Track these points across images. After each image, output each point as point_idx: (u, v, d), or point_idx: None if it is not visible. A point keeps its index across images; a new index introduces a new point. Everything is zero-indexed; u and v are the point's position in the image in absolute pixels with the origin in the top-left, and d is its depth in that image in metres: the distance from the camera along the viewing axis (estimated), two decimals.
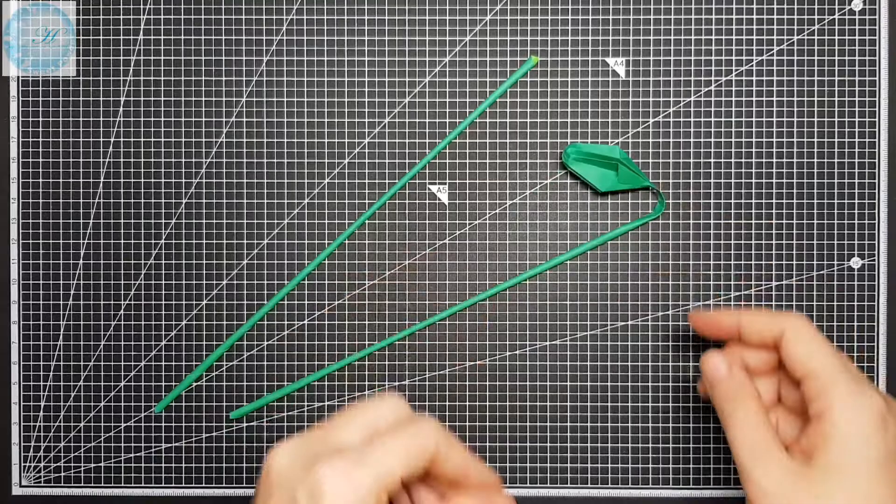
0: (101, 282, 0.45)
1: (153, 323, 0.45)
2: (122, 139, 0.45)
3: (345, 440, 0.29)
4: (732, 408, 0.35)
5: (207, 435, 0.45)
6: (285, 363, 0.45)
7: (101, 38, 0.45)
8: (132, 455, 0.46)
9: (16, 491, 0.46)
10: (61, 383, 0.45)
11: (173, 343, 0.45)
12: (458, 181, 0.45)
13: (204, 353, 0.45)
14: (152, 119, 0.45)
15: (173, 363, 0.45)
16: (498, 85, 0.45)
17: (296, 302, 0.45)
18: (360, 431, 0.29)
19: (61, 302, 0.45)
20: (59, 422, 0.45)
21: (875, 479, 0.32)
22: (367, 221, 0.45)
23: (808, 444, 0.34)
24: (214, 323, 0.45)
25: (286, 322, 0.45)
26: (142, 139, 0.45)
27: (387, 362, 0.45)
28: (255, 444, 0.45)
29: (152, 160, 0.45)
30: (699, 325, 0.39)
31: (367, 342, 0.45)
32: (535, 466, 0.45)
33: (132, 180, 0.45)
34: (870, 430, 0.32)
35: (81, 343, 0.45)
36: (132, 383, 0.45)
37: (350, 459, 0.27)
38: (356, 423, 0.30)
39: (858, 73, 0.45)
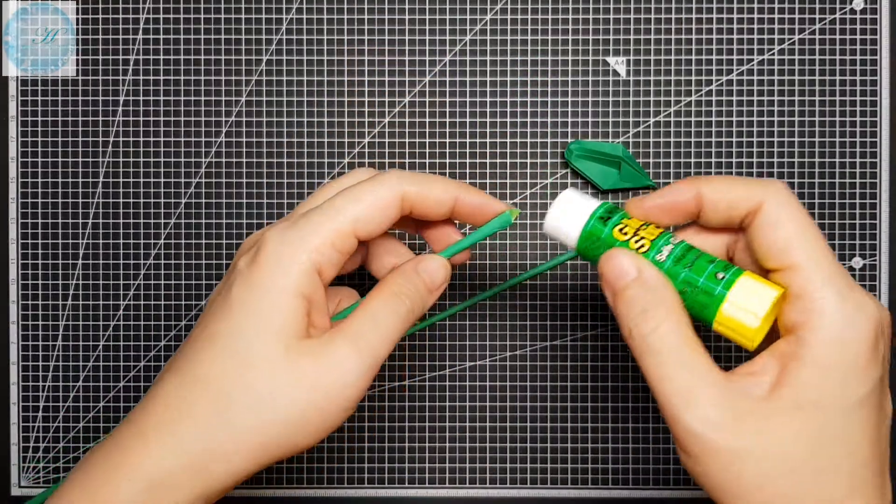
0: (101, 282, 0.45)
1: (152, 323, 0.45)
2: (121, 139, 0.45)
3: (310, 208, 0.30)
4: (649, 328, 0.26)
5: None
6: None
7: (101, 38, 0.45)
8: None
9: (15, 491, 0.45)
10: (60, 384, 0.45)
11: (173, 343, 0.45)
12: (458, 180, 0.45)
13: None
14: (152, 119, 0.45)
15: None
16: (498, 84, 0.45)
17: None
18: (325, 199, 0.30)
19: (60, 302, 0.45)
20: (59, 422, 0.45)
21: (850, 419, 0.25)
22: None
23: (767, 366, 0.26)
24: None
25: None
26: (141, 139, 0.45)
27: (387, 362, 0.45)
28: None
29: (152, 160, 0.45)
30: (652, 211, 0.28)
31: None
32: (535, 466, 0.45)
33: (131, 180, 0.45)
34: (861, 360, 0.25)
35: (81, 343, 0.45)
36: (131, 384, 0.45)
37: (291, 219, 0.28)
38: (321, 194, 0.31)
39: (859, 73, 0.45)
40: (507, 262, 0.45)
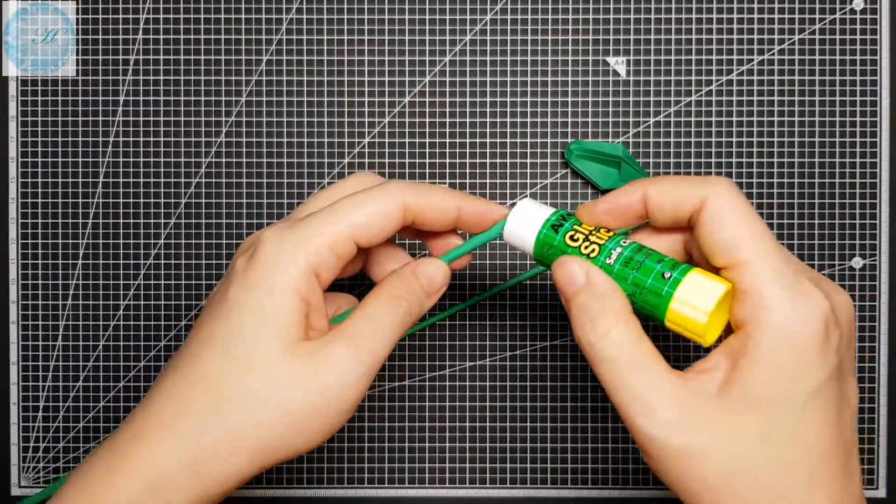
0: (101, 282, 0.45)
1: (152, 323, 0.45)
2: (121, 139, 0.45)
3: (310, 211, 0.30)
4: (599, 335, 0.26)
5: None
6: None
7: (101, 38, 0.45)
8: None
9: (15, 491, 0.45)
10: (60, 383, 0.45)
11: (173, 343, 0.45)
12: (458, 181, 0.45)
13: None
14: (152, 119, 0.45)
15: None
16: (498, 84, 0.45)
17: None
18: (326, 203, 0.30)
19: (60, 302, 0.45)
20: (59, 422, 0.45)
21: (804, 413, 0.25)
22: None
23: (719, 363, 0.26)
24: None
25: None
26: (141, 139, 0.45)
27: (387, 362, 0.45)
28: None
29: (152, 160, 0.45)
30: (601, 216, 0.29)
31: None
32: (535, 466, 0.45)
33: (131, 180, 0.45)
34: (811, 353, 0.24)
35: (81, 343, 0.45)
36: (131, 384, 0.45)
37: (291, 221, 0.29)
38: (323, 197, 0.31)
39: (859, 73, 0.45)
40: (507, 262, 0.45)
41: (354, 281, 0.45)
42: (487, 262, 0.45)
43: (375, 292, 0.29)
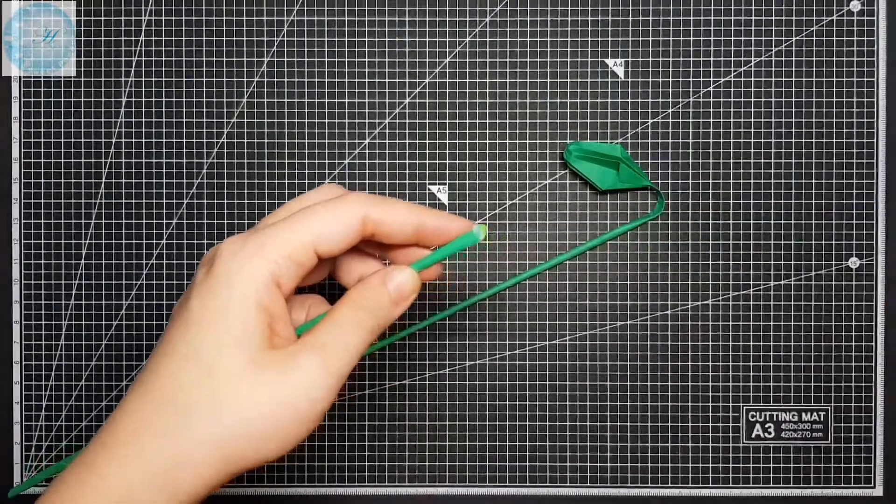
0: (103, 282, 0.45)
1: (154, 323, 0.45)
2: (123, 139, 0.45)
3: (271, 222, 0.30)
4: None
5: None
6: None
7: (101, 38, 0.45)
8: None
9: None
10: (63, 383, 0.45)
11: None
12: (458, 181, 0.45)
13: None
14: (153, 119, 0.45)
15: None
16: (498, 85, 0.45)
17: None
18: (287, 214, 0.30)
19: (63, 302, 0.45)
20: (61, 421, 0.46)
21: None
22: None
23: None
24: None
25: None
26: (143, 139, 0.45)
27: (387, 362, 0.45)
28: None
29: (153, 160, 0.45)
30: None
31: None
32: (534, 466, 0.45)
33: (133, 180, 0.45)
34: None
35: (83, 343, 0.45)
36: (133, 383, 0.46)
37: (251, 232, 0.29)
38: (285, 208, 0.31)
39: (856, 75, 0.45)
40: (507, 262, 0.45)
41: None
42: (487, 261, 0.45)
43: (343, 301, 0.30)
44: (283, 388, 0.27)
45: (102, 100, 0.45)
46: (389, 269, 0.31)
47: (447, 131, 0.45)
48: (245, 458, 0.27)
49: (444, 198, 0.45)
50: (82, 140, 0.45)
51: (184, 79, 0.45)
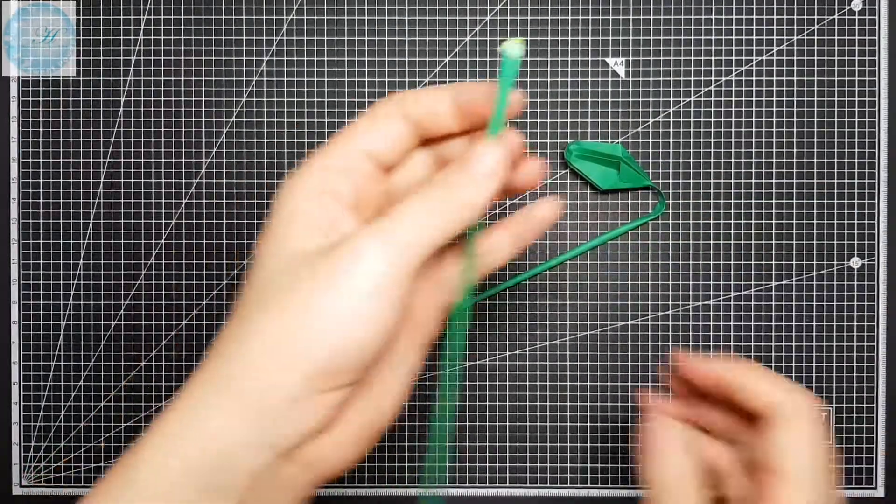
0: (102, 282, 0.45)
1: (153, 323, 0.45)
2: (122, 139, 0.45)
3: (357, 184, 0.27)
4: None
5: None
6: None
7: (101, 38, 0.45)
8: None
9: (16, 491, 0.46)
10: (61, 383, 0.45)
11: (173, 343, 0.45)
12: None
13: (204, 353, 0.45)
14: (152, 119, 0.45)
15: (173, 363, 0.45)
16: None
17: None
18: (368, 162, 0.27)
19: (61, 302, 0.45)
20: (60, 421, 0.45)
21: None
22: None
23: None
24: (215, 323, 0.45)
25: None
26: (142, 139, 0.45)
27: None
28: None
29: (152, 160, 0.45)
30: (693, 374, 0.31)
31: None
32: (534, 466, 0.45)
33: (132, 180, 0.45)
34: None
35: (82, 343, 0.45)
36: (132, 383, 0.45)
37: (382, 226, 0.24)
38: (357, 146, 0.28)
39: (858, 73, 0.45)
40: (507, 262, 0.45)
41: None
42: None
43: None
44: (339, 282, 0.23)
45: (101, 100, 0.45)
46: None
47: None
48: (328, 373, 0.24)
49: None
50: (81, 140, 0.45)
51: (183, 79, 0.45)
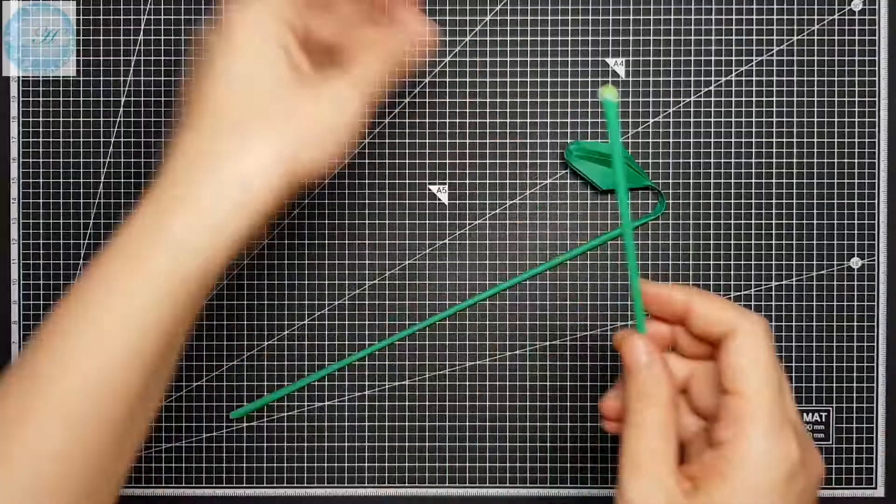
0: None
1: None
2: (122, 139, 0.45)
3: None
4: (639, 407, 0.30)
5: (207, 435, 0.45)
6: (285, 363, 0.45)
7: (101, 38, 0.45)
8: None
9: None
10: None
11: None
12: (458, 181, 0.45)
13: (204, 353, 0.45)
14: (152, 119, 0.45)
15: None
16: (498, 85, 0.45)
17: (296, 302, 0.45)
18: None
19: None
20: None
21: None
22: (366, 221, 0.45)
23: (699, 472, 0.29)
24: (214, 323, 0.45)
25: (286, 322, 0.45)
26: (142, 139, 0.45)
27: (387, 362, 0.45)
28: (255, 444, 0.45)
29: (153, 160, 0.45)
30: (646, 296, 0.32)
31: (367, 342, 0.45)
32: (534, 466, 0.45)
33: (132, 180, 0.45)
34: (773, 485, 0.28)
35: None
36: None
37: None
38: None
39: (858, 74, 0.45)
40: (507, 262, 0.45)
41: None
42: (487, 261, 0.45)
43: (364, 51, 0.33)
44: (320, 103, 0.30)
45: (101, 100, 0.45)
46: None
47: (447, 131, 0.45)
48: (299, 162, 0.30)
49: (444, 198, 0.45)
50: (81, 140, 0.45)
51: (182, 78, 0.45)
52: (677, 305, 0.31)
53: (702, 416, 0.32)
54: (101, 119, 0.45)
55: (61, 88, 0.45)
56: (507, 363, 0.45)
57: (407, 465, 0.45)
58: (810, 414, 0.45)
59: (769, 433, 0.28)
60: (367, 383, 0.45)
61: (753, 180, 0.45)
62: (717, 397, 0.30)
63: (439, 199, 0.45)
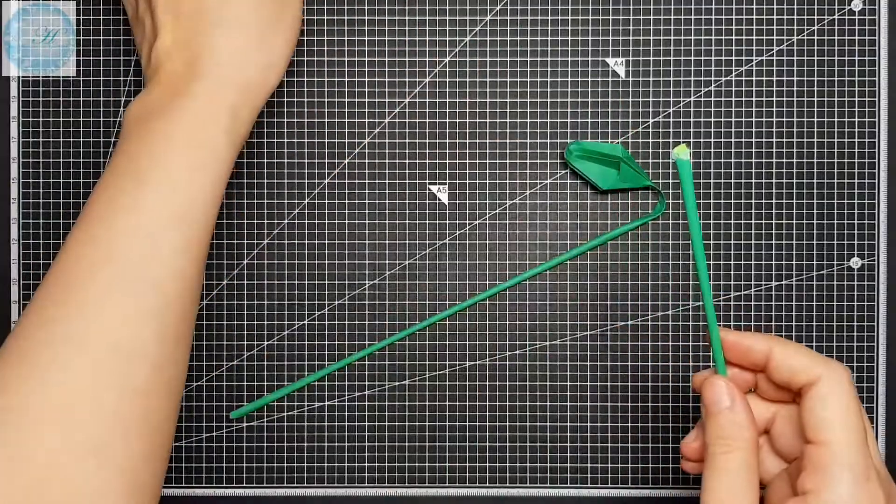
0: None
1: None
2: None
3: None
4: (720, 450, 0.30)
5: (207, 435, 0.45)
6: (285, 363, 0.45)
7: (101, 38, 0.45)
8: None
9: None
10: None
11: None
12: (458, 181, 0.45)
13: (204, 352, 0.45)
14: None
15: None
16: (498, 85, 0.45)
17: (296, 302, 0.45)
18: None
19: None
20: None
21: None
22: (367, 221, 0.45)
23: None
24: (215, 323, 0.45)
25: (286, 322, 0.45)
26: None
27: (387, 362, 0.45)
28: (255, 444, 0.45)
29: None
30: (725, 346, 0.33)
31: (367, 342, 0.45)
32: (534, 466, 0.45)
33: None
34: None
35: None
36: None
37: None
38: None
39: (858, 74, 0.45)
40: (507, 262, 0.45)
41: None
42: (487, 261, 0.45)
43: None
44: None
45: (101, 100, 0.45)
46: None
47: (447, 131, 0.45)
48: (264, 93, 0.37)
49: (444, 198, 0.45)
50: (81, 140, 0.45)
51: None
52: (757, 356, 0.31)
53: (784, 458, 0.32)
54: (101, 119, 0.45)
55: (61, 88, 0.45)
56: (507, 363, 0.45)
57: (407, 465, 0.45)
58: None
59: (854, 484, 0.28)
60: (367, 383, 0.45)
61: (753, 180, 0.45)
62: (800, 443, 0.30)
63: (439, 199, 0.45)
